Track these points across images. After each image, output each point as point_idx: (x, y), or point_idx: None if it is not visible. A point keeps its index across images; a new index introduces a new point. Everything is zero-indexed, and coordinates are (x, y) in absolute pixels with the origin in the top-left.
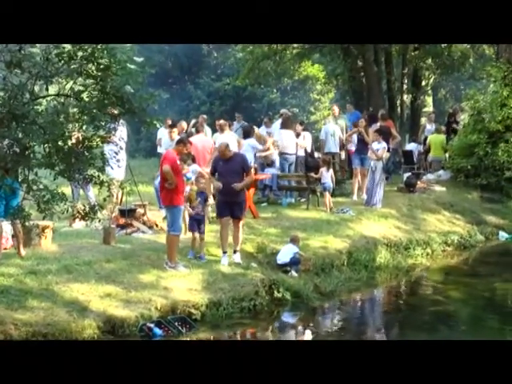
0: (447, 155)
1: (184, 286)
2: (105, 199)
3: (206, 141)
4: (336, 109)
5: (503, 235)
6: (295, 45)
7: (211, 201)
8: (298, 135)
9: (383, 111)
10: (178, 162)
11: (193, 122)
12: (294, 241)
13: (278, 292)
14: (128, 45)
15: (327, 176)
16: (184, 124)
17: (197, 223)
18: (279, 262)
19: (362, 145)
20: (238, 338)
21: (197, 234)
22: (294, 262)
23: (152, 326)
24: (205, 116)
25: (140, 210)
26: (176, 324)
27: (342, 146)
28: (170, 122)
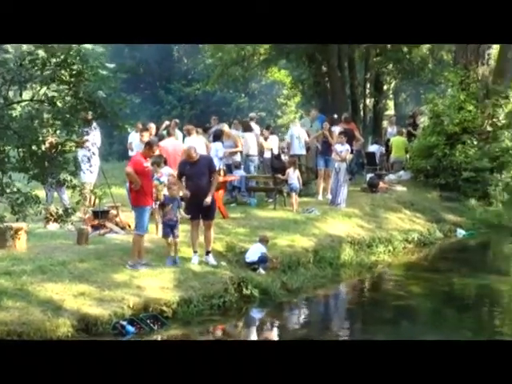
0: (408, 156)
1: (156, 285)
2: (77, 202)
3: (176, 144)
4: (314, 112)
5: (461, 232)
6: (262, 51)
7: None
8: (266, 139)
9: (347, 114)
10: (146, 165)
11: (164, 125)
12: (263, 241)
13: (247, 289)
14: (100, 50)
15: (294, 177)
16: (153, 125)
17: (170, 229)
18: (248, 260)
19: (326, 147)
20: (210, 334)
21: (171, 240)
22: (262, 261)
23: (125, 323)
24: (177, 120)
25: (113, 212)
26: (148, 321)
27: (308, 149)
28: (140, 126)
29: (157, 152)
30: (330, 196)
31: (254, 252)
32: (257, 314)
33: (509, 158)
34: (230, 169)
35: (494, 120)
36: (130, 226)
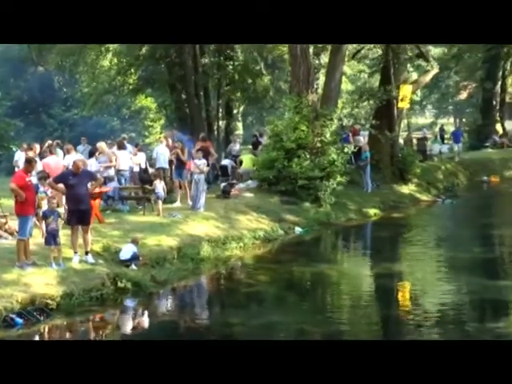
0: (254, 168)
1: (41, 282)
2: None
3: (58, 161)
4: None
5: (298, 229)
6: (131, 81)
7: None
8: (135, 154)
9: (203, 134)
10: (28, 179)
11: (46, 144)
12: (134, 241)
13: (121, 283)
14: None
15: (159, 187)
16: (37, 145)
17: (53, 237)
18: (122, 258)
19: (180, 162)
20: (90, 322)
21: (54, 247)
22: (134, 258)
23: (14, 316)
24: (58, 141)
25: (2, 220)
26: (35, 313)
27: (171, 162)
28: (26, 146)
29: (40, 168)
30: (190, 202)
31: (127, 251)
32: (130, 303)
33: (334, 168)
34: (105, 181)
35: (322, 138)
36: (17, 232)
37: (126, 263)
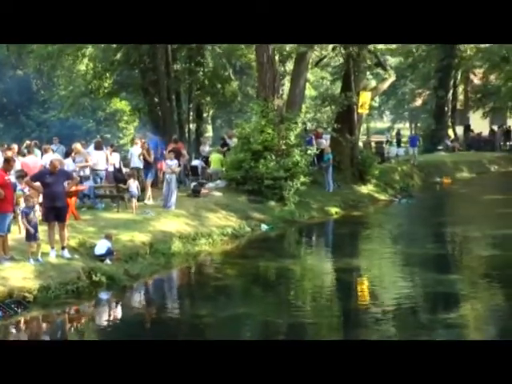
0: (223, 169)
1: (19, 276)
2: None
3: (35, 161)
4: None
5: (264, 227)
6: (106, 85)
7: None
8: (111, 153)
9: (175, 136)
10: (7, 178)
11: (25, 145)
12: (108, 237)
13: (96, 276)
14: None
15: (133, 186)
16: (15, 146)
17: (33, 234)
18: (96, 253)
19: (147, 163)
20: (66, 314)
21: (34, 243)
22: (109, 253)
23: None
24: (36, 141)
25: None
26: (12, 306)
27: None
28: (5, 146)
29: (19, 167)
30: (147, 201)
31: (102, 246)
32: (105, 296)
33: (298, 169)
34: (81, 180)
35: (287, 140)
36: None
37: (100, 258)
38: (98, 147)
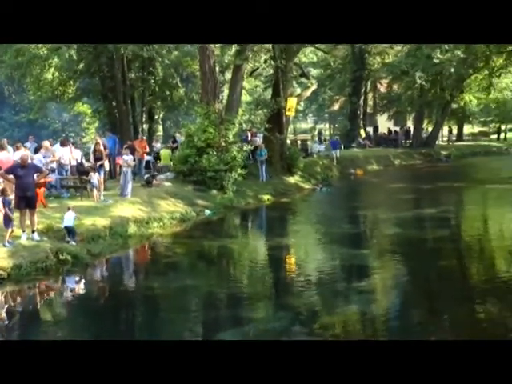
0: (172, 163)
1: None
2: None
3: (8, 156)
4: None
5: (207, 212)
6: (70, 91)
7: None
8: (74, 149)
9: (142, 135)
10: None
11: None
12: (70, 209)
13: (62, 256)
14: None
15: (94, 178)
16: None
17: (10, 220)
18: (66, 225)
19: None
20: (36, 288)
21: (10, 229)
22: (72, 233)
23: None
24: (6, 139)
25: None
26: None
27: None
28: None
29: None
30: (118, 190)
31: (69, 218)
32: (70, 273)
33: (236, 162)
34: (49, 172)
35: (226, 138)
36: None
37: (66, 239)
38: (63, 144)
